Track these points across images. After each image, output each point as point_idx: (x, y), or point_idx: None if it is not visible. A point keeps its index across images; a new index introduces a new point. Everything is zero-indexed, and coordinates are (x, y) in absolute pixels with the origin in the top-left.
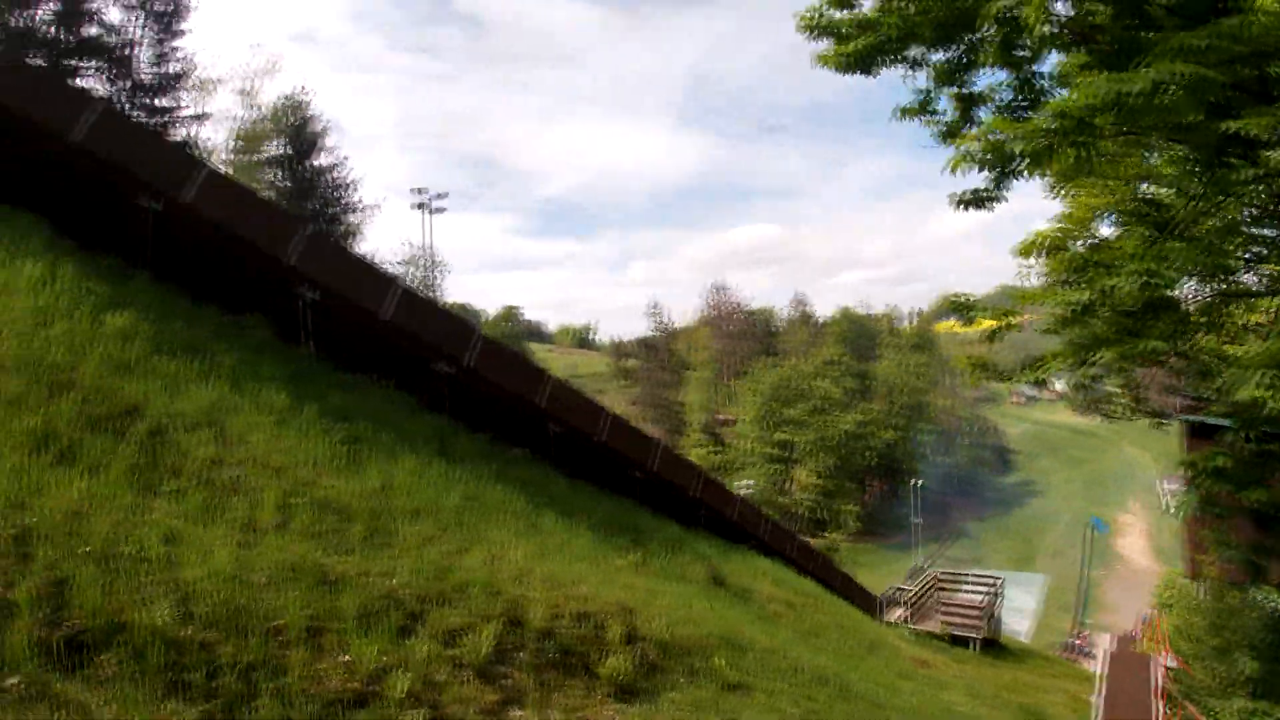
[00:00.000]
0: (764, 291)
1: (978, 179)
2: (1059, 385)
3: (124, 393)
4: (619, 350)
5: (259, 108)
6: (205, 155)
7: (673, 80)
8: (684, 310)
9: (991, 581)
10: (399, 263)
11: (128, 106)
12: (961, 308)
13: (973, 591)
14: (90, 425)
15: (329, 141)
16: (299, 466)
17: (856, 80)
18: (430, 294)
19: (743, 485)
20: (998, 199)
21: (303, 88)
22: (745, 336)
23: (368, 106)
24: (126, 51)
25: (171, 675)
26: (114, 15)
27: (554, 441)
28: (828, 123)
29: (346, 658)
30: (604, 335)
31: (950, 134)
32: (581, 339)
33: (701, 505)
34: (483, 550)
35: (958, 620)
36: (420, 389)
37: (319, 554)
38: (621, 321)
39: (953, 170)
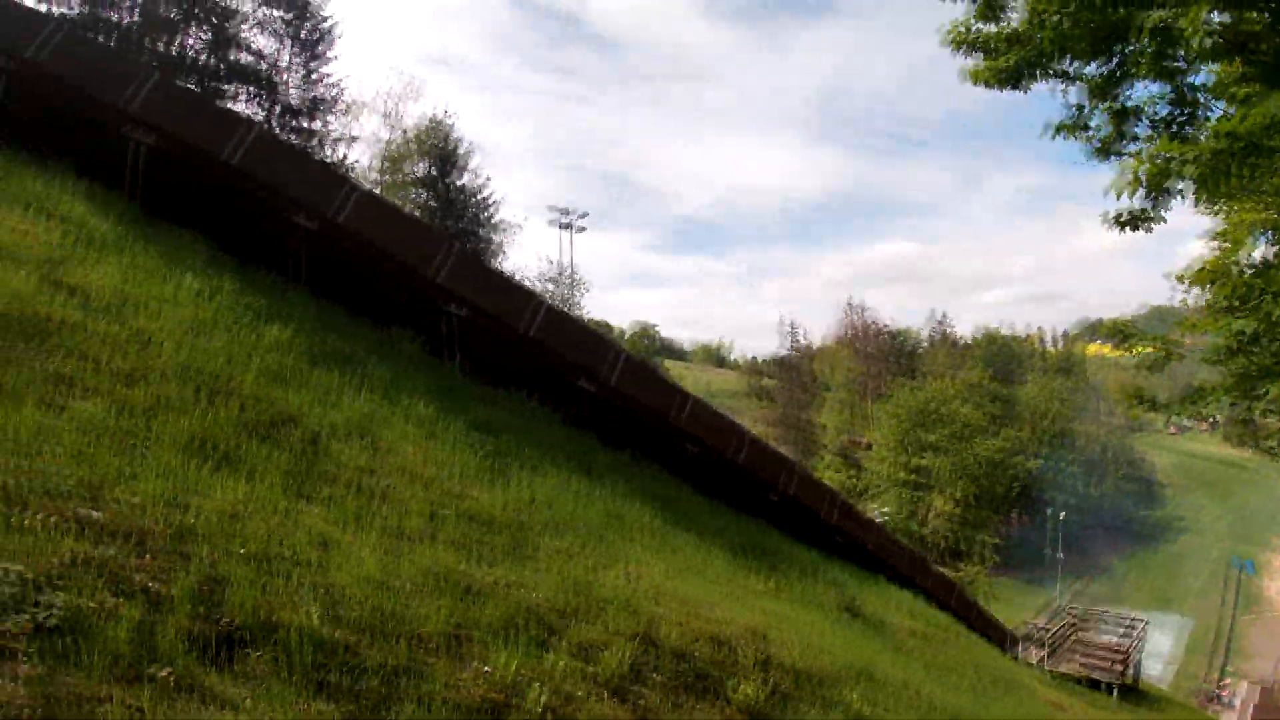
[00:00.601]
0: (903, 310)
1: (1136, 198)
2: (1216, 415)
3: (281, 402)
4: (754, 369)
5: (403, 130)
6: (354, 176)
7: (805, 95)
8: (820, 329)
9: (1132, 623)
10: (540, 280)
11: (278, 129)
12: (1119, 334)
13: (1112, 633)
14: (249, 432)
15: (471, 162)
16: (446, 478)
17: (995, 91)
18: (571, 311)
19: (878, 512)
20: (1156, 220)
21: (444, 110)
22: (883, 357)
23: (506, 127)
24: (275, 77)
25: (318, 675)
26: (262, 42)
27: (691, 460)
28: (966, 135)
29: (486, 668)
30: (739, 353)
31: (1104, 150)
32: (716, 357)
33: (837, 531)
34: (621, 567)
35: (1095, 663)
36: (562, 404)
37: (463, 564)
38: (756, 339)
39: (1117, 195)
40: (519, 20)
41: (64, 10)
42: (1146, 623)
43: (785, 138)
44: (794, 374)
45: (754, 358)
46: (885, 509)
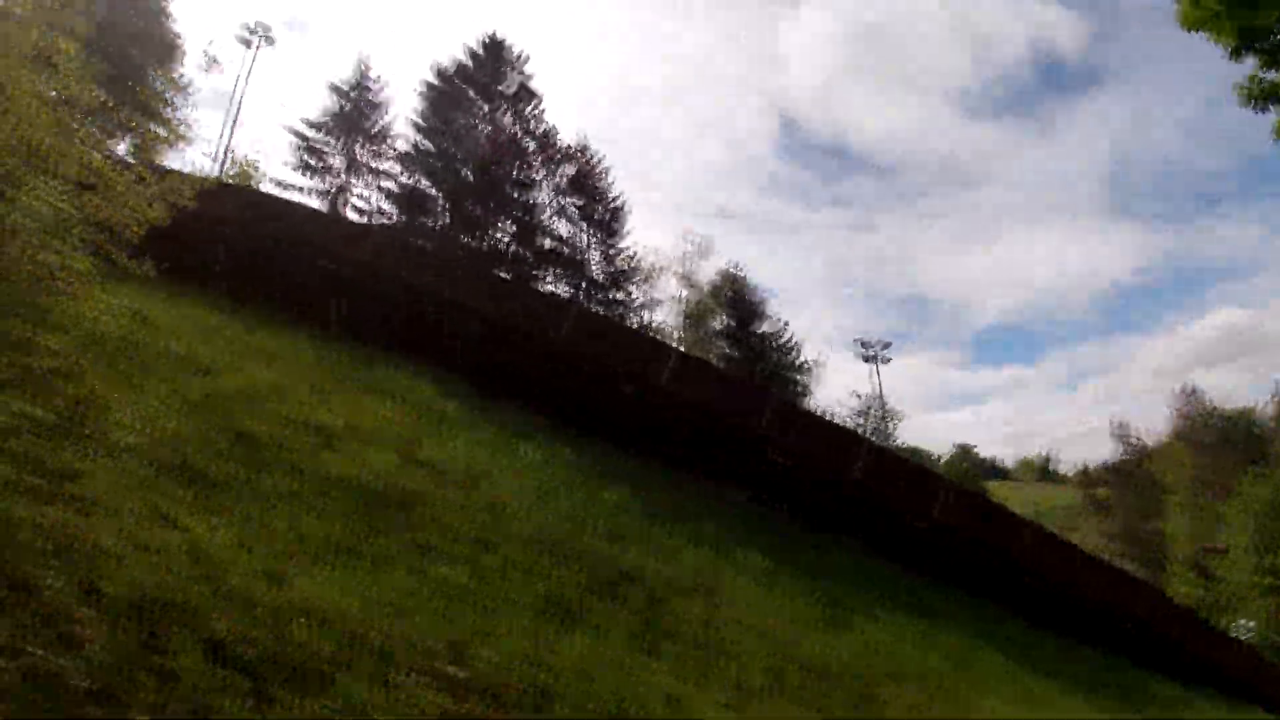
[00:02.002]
0: (1242, 389)
1: None
2: None
3: (622, 560)
4: (1085, 479)
5: (699, 287)
6: (663, 337)
7: (1089, 175)
8: (1152, 425)
9: None
10: (851, 415)
11: (586, 303)
12: None
13: None
14: (594, 591)
15: (766, 307)
16: (783, 628)
17: None
18: (886, 443)
19: (1240, 627)
20: None
21: (735, 263)
22: (1225, 446)
23: (795, 267)
24: (578, 256)
25: None
26: (562, 228)
27: (1033, 594)
28: (1269, 177)
29: None
30: (1065, 464)
31: None
32: (1042, 471)
33: (1199, 658)
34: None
35: None
36: (889, 545)
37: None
38: (1083, 447)
39: None
40: (790, 165)
41: (382, 221)
42: None
43: (1078, 224)
44: (1129, 480)
45: (1084, 467)
46: (1248, 622)
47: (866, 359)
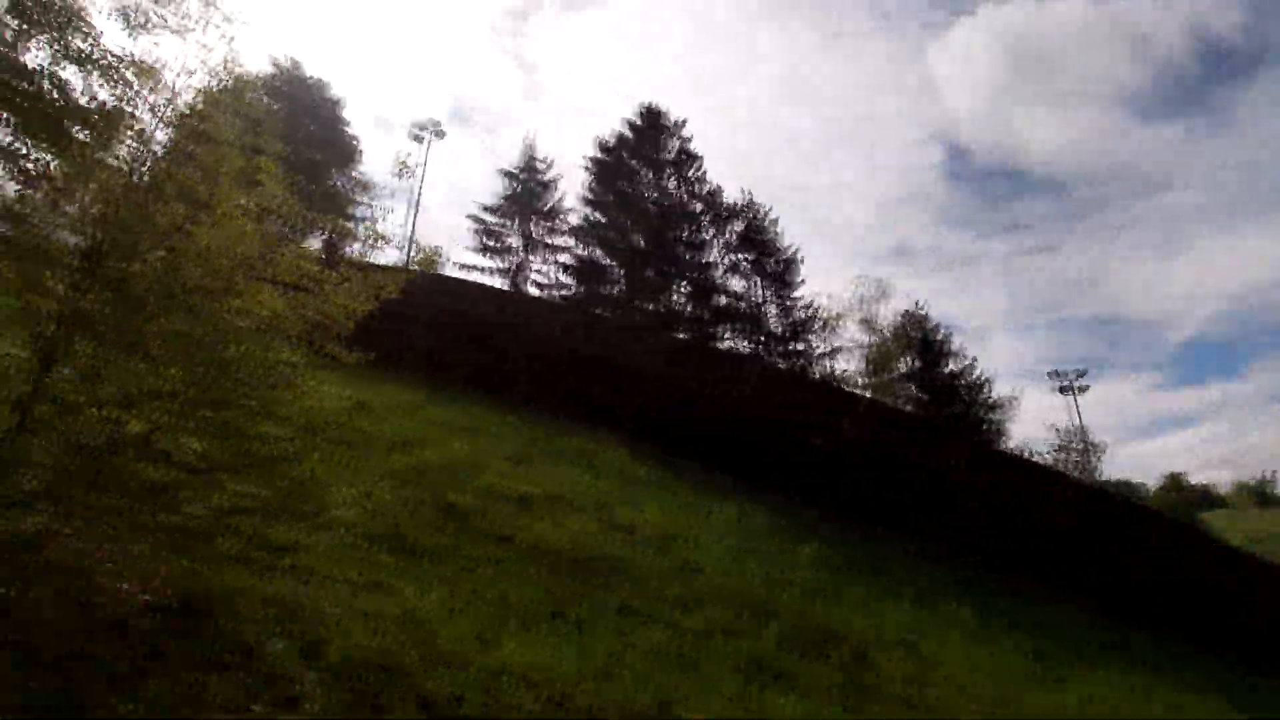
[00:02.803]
0: None
1: None
2: None
3: (823, 617)
4: None
5: (880, 330)
6: (847, 386)
7: (1273, 163)
8: None
9: None
10: (1049, 452)
11: (766, 356)
12: None
13: None
14: (796, 649)
15: (952, 345)
16: (995, 684)
17: None
18: (1089, 479)
19: None
20: None
21: (916, 301)
22: None
23: (977, 300)
24: (754, 311)
25: None
26: (736, 284)
27: (1260, 637)
28: None
29: None
30: None
31: None
32: (1260, 495)
33: None
34: None
35: None
36: (1100, 591)
37: None
38: None
39: None
40: (960, 193)
41: (561, 293)
42: None
43: (1269, 218)
44: None
45: None
46: None
47: (1062, 390)
